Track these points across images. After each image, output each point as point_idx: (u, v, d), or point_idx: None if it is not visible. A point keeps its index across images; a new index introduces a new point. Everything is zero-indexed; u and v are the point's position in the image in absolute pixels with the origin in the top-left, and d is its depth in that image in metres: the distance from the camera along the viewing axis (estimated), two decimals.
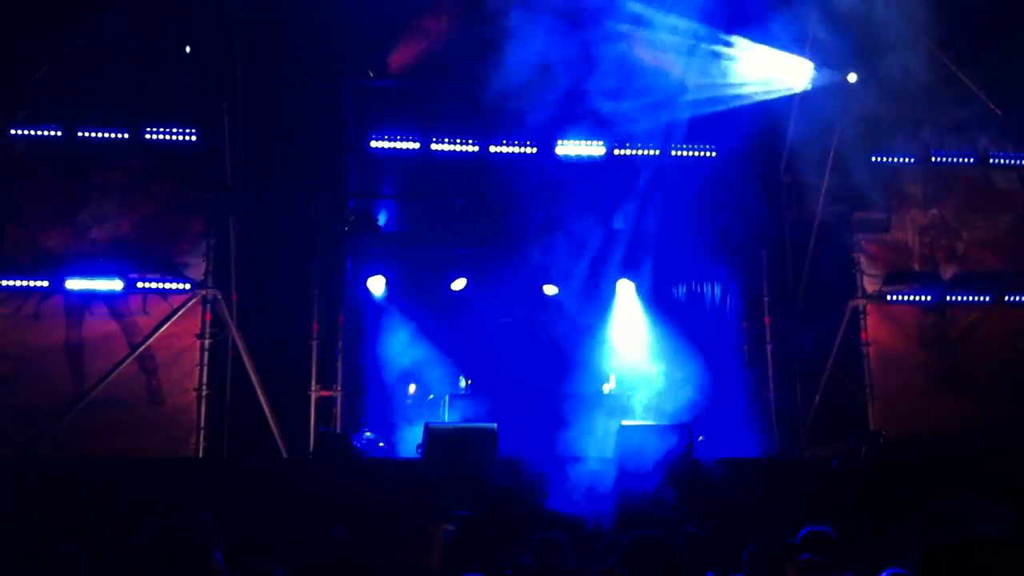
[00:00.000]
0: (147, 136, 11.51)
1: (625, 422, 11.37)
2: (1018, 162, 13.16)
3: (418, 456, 10.63)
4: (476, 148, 12.80)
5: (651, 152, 13.18)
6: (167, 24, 11.52)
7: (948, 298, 12.61)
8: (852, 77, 12.59)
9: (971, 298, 12.64)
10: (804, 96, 12.50)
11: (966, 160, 13.08)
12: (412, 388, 13.94)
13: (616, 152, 13.12)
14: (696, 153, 13.36)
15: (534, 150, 13.04)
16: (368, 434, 12.32)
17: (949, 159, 13.04)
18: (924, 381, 12.41)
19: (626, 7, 12.75)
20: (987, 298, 12.63)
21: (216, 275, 11.55)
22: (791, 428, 12.41)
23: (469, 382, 13.89)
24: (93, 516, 8.43)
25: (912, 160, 12.98)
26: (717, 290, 15.01)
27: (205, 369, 11.37)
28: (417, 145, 12.69)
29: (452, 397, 13.17)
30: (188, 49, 11.65)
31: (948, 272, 12.82)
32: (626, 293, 16.42)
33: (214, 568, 3.46)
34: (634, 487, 9.22)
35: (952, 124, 13.14)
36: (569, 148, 13.09)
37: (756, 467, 11.17)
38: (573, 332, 15.92)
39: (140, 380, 11.27)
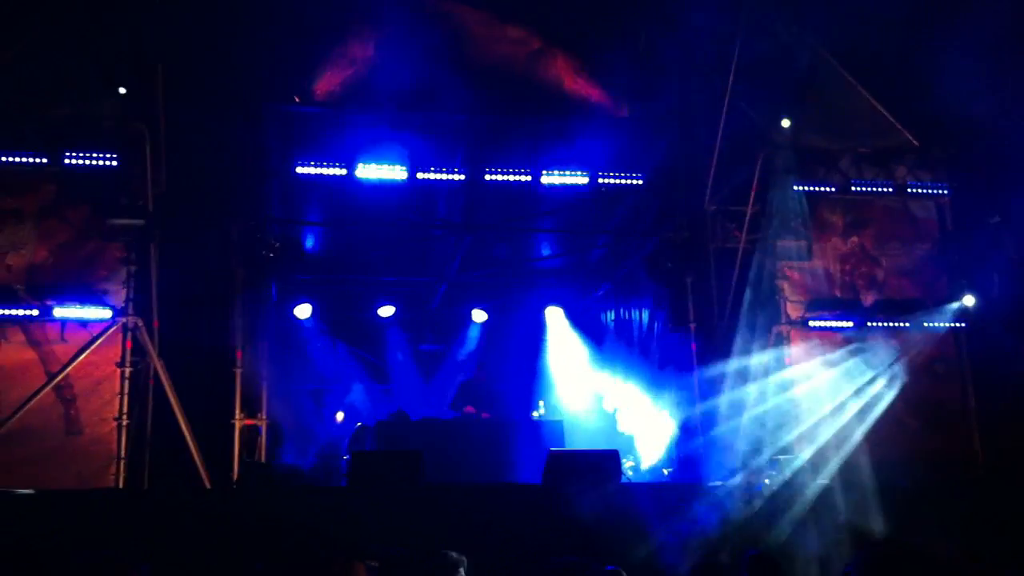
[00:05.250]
0: (66, 161, 11.26)
1: (554, 449, 11.35)
2: (934, 192, 13.47)
3: (343, 483, 10.54)
4: (404, 174, 12.74)
5: (579, 180, 13.24)
6: (87, 49, 11.34)
7: (868, 324, 12.84)
8: (785, 123, 12.85)
9: (890, 324, 12.89)
10: (729, 126, 12.71)
11: (885, 190, 13.36)
12: (340, 416, 13.82)
13: (544, 179, 13.15)
14: (623, 181, 13.46)
15: (462, 177, 13.03)
16: (296, 466, 12.20)
17: (868, 189, 13.31)
18: (845, 407, 12.55)
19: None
20: (906, 324, 12.89)
21: (137, 302, 11.32)
22: (716, 454, 12.48)
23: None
24: (9, 551, 8.17)
25: (832, 190, 13.23)
26: (645, 316, 15.13)
27: (125, 398, 11.11)
28: (343, 171, 12.60)
29: (380, 424, 13.07)
30: (122, 90, 11.43)
31: (868, 299, 13.07)
32: (555, 320, 16.54)
33: None
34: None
35: (871, 154, 13.45)
36: (498, 175, 13.08)
37: (681, 492, 11.22)
38: (501, 359, 15.98)
39: (57, 410, 10.97)
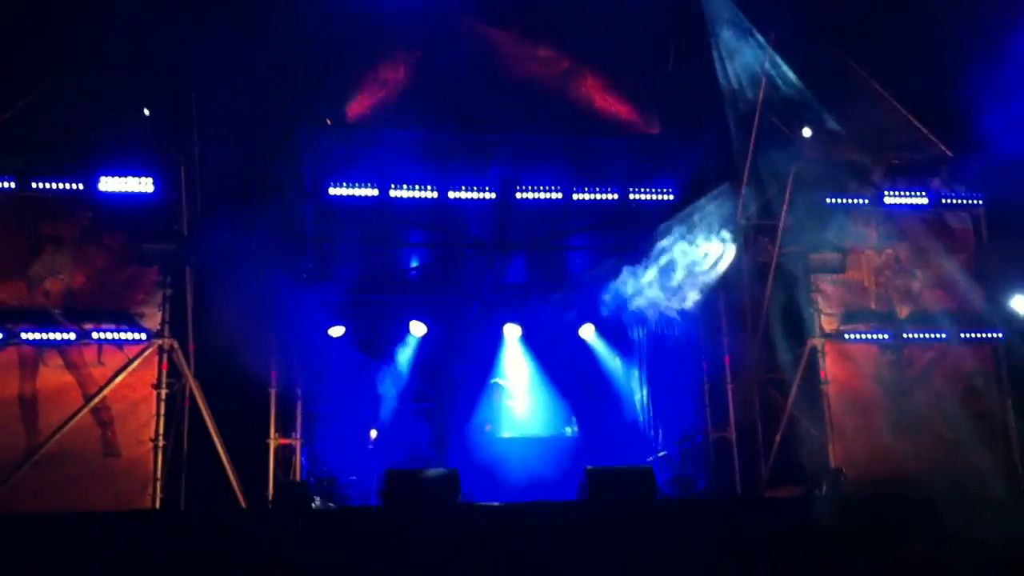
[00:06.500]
0: (102, 187, 11.41)
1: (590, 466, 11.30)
2: (969, 202, 13.34)
3: (379, 503, 10.56)
4: (435, 194, 12.80)
5: (610, 196, 13.24)
6: (122, 75, 11.49)
7: (904, 336, 12.72)
8: (806, 132, 12.82)
9: (927, 335, 12.76)
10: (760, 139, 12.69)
11: (919, 201, 13.25)
12: (373, 434, 13.85)
13: (575, 196, 13.16)
14: (655, 196, 13.44)
15: (493, 195, 13.07)
16: (332, 486, 12.24)
17: (902, 201, 13.20)
18: (882, 420, 12.43)
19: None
20: (943, 336, 12.75)
21: (172, 325, 11.44)
22: (752, 467, 12.42)
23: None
24: (50, 574, 8.26)
25: (866, 202, 13.14)
26: (677, 331, 15.06)
27: (162, 420, 11.19)
28: (376, 192, 12.69)
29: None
30: (147, 112, 11.64)
31: (904, 311, 12.94)
32: (588, 337, 16.52)
33: None
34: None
35: (905, 166, 13.35)
36: (529, 193, 13.10)
37: (718, 507, 11.16)
38: (536, 376, 15.99)
39: (95, 432, 11.08)
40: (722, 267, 12.96)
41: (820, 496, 11.04)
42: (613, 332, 16.44)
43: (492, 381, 14.78)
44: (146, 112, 11.67)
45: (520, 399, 15.42)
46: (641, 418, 15.97)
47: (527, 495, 11.61)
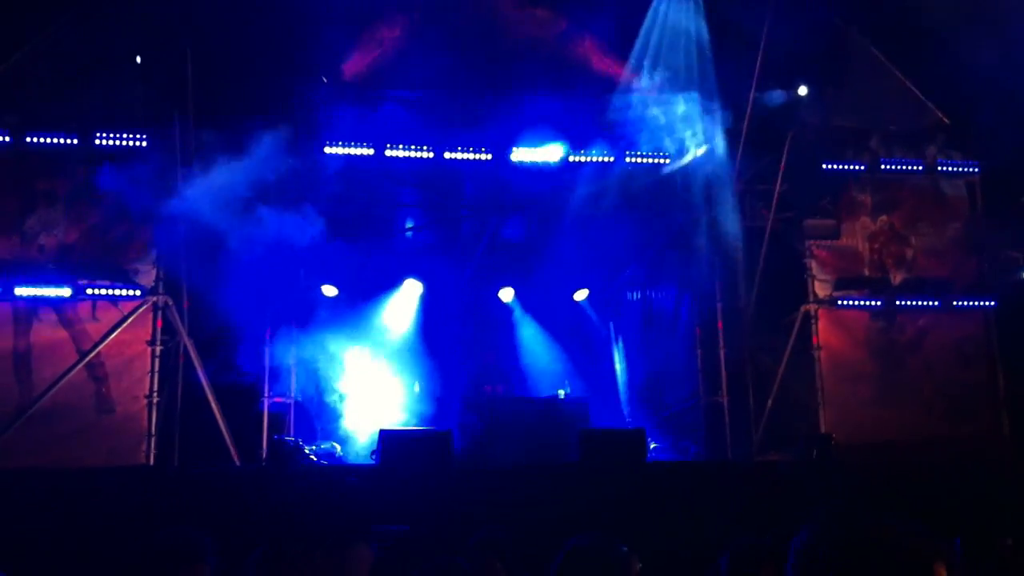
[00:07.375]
0: (97, 142, 11.37)
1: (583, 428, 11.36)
2: (965, 170, 13.35)
3: (373, 462, 10.62)
4: (431, 154, 12.76)
5: (606, 159, 13.20)
6: (118, 30, 11.40)
7: (897, 303, 12.77)
8: (803, 90, 12.79)
9: (920, 303, 12.81)
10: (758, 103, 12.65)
11: (915, 168, 13.26)
12: None
13: (571, 159, 13.11)
14: (651, 160, 13.40)
15: (489, 156, 13.02)
16: (326, 445, 12.28)
17: (898, 167, 13.21)
18: (873, 387, 12.52)
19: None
20: (935, 303, 12.80)
21: (167, 282, 11.44)
22: (743, 432, 12.49)
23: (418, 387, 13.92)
24: (43, 528, 8.32)
25: (862, 168, 13.14)
26: (672, 295, 15.10)
27: (156, 376, 11.23)
28: (371, 151, 12.64)
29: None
30: (139, 59, 11.56)
31: (897, 278, 12.98)
32: (582, 299, 16.56)
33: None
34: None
35: (901, 133, 13.35)
36: (523, 155, 13.06)
37: (708, 471, 11.25)
38: (530, 338, 16.04)
39: (89, 388, 11.11)
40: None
41: (810, 461, 11.13)
42: (608, 297, 16.48)
43: (487, 341, 14.83)
44: (138, 59, 11.56)
45: (514, 360, 15.46)
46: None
47: (521, 455, 11.66)
